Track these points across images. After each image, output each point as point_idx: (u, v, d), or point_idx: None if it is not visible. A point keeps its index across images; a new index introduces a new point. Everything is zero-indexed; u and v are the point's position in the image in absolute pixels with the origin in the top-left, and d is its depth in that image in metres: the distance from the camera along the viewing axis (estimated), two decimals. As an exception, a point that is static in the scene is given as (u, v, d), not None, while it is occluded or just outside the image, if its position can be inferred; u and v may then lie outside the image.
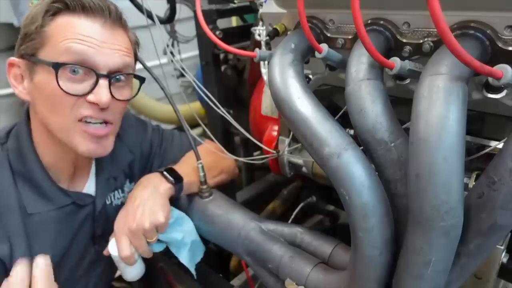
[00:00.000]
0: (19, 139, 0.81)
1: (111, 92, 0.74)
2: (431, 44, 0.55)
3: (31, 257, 0.79)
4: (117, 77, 0.76)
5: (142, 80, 0.83)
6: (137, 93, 0.84)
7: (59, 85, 0.70)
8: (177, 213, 0.91)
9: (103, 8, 0.73)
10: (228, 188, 1.08)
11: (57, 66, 0.70)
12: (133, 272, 0.86)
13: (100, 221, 0.90)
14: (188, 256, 0.89)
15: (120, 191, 0.97)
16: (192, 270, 0.91)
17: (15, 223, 0.77)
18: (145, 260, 0.89)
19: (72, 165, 0.86)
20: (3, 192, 0.77)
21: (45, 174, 0.81)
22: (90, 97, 0.73)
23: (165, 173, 0.90)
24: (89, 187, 0.90)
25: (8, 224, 0.76)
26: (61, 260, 0.86)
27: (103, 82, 0.73)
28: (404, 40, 0.59)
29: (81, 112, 0.74)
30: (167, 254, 0.91)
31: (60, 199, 0.83)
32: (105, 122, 0.78)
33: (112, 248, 0.82)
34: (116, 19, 0.76)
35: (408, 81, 0.65)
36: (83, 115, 0.74)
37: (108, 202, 0.93)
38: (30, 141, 0.80)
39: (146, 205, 0.82)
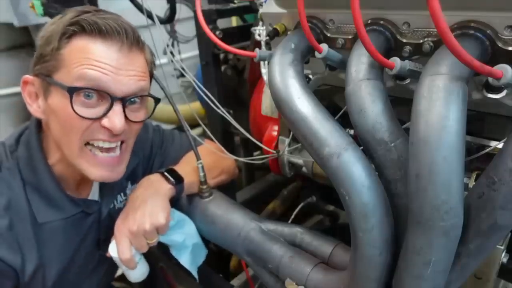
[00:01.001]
0: (29, 148, 0.80)
1: (125, 115, 0.74)
2: (431, 44, 0.55)
3: (41, 265, 0.80)
4: (132, 99, 0.75)
5: (157, 100, 0.83)
6: (151, 114, 0.84)
7: (73, 109, 0.70)
8: (178, 215, 0.91)
9: (120, 31, 0.71)
10: (228, 188, 1.08)
11: (72, 90, 0.69)
12: (136, 273, 0.86)
13: (105, 226, 0.91)
14: (190, 259, 0.89)
15: (122, 194, 0.97)
16: (194, 273, 0.90)
17: (27, 232, 0.77)
18: (145, 260, 0.89)
19: (81, 175, 0.85)
20: (15, 201, 0.77)
21: (55, 184, 0.81)
22: (104, 122, 0.72)
23: (165, 173, 0.90)
24: (94, 193, 0.90)
25: (20, 234, 0.76)
26: (68, 266, 0.86)
27: (117, 107, 0.72)
28: (404, 40, 0.59)
29: (94, 135, 0.73)
30: (168, 255, 0.91)
31: (70, 208, 0.83)
32: (121, 142, 0.77)
33: (112, 250, 0.82)
34: (133, 42, 0.73)
35: (408, 81, 0.66)
36: (95, 138, 0.74)
37: (111, 206, 0.93)
38: (40, 151, 0.80)
39: (147, 206, 0.82)
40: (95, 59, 0.69)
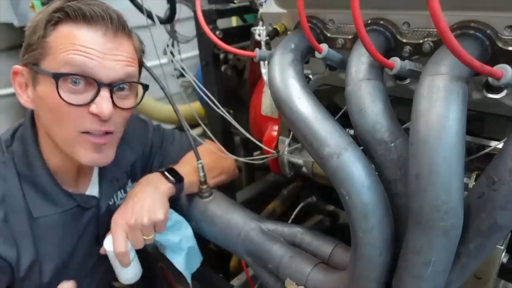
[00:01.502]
0: (24, 143, 0.80)
1: (113, 102, 0.74)
2: (431, 44, 0.55)
3: (37, 260, 0.80)
4: (120, 86, 0.75)
5: (145, 87, 0.82)
6: (140, 101, 0.84)
7: (59, 95, 0.70)
8: (176, 217, 0.91)
9: (104, 16, 0.71)
10: (228, 188, 1.08)
11: (57, 76, 0.69)
12: (129, 273, 0.85)
13: (104, 222, 0.90)
14: (184, 262, 0.88)
15: (122, 191, 0.97)
16: (188, 277, 0.90)
17: (22, 226, 0.77)
18: (145, 260, 0.88)
19: (77, 169, 0.86)
20: (11, 195, 0.77)
21: (51, 178, 0.81)
22: (92, 108, 0.72)
23: (165, 173, 0.90)
24: (92, 189, 0.90)
25: (15, 227, 0.76)
26: (67, 262, 0.86)
27: (105, 93, 0.72)
28: (404, 40, 0.59)
29: (85, 126, 0.73)
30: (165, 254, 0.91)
31: (66, 203, 0.83)
32: (106, 133, 0.77)
33: (108, 244, 0.81)
34: (119, 27, 0.73)
35: (408, 81, 0.65)
36: (86, 129, 0.74)
37: (111, 203, 0.93)
38: (35, 145, 0.80)
39: (146, 202, 0.82)
40: (80, 44, 0.70)
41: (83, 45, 0.70)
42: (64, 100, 0.70)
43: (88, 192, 0.89)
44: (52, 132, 0.76)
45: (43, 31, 0.71)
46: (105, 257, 0.85)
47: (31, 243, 0.78)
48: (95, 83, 0.71)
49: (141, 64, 0.84)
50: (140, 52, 0.82)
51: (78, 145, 0.75)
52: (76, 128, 0.73)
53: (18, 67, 0.76)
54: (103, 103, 0.72)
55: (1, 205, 0.75)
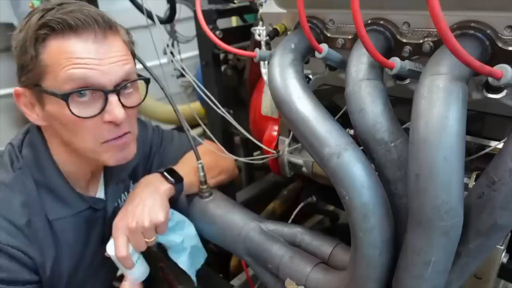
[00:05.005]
0: (35, 149, 0.81)
1: (122, 104, 0.74)
2: (431, 44, 0.56)
3: (56, 263, 0.81)
4: (124, 85, 0.75)
5: (147, 81, 0.82)
6: (145, 96, 0.83)
7: (72, 113, 0.70)
8: (178, 216, 0.90)
9: (90, 21, 0.69)
10: (228, 188, 1.08)
11: (66, 97, 0.69)
12: (135, 273, 0.85)
13: (110, 224, 0.91)
14: (188, 261, 0.88)
15: (126, 193, 0.97)
16: (193, 276, 0.89)
17: (43, 230, 0.78)
18: (145, 260, 0.88)
19: (90, 173, 0.87)
20: (31, 199, 0.77)
21: (64, 182, 0.81)
22: (106, 117, 0.72)
23: (165, 173, 0.90)
24: (100, 192, 0.91)
25: (38, 231, 0.77)
26: (77, 264, 0.87)
27: (113, 99, 0.72)
28: (404, 40, 0.59)
29: (104, 136, 0.74)
30: (168, 255, 0.91)
31: (78, 205, 0.84)
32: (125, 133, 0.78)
33: (110, 249, 0.82)
34: (106, 27, 0.72)
35: (408, 81, 0.65)
36: (106, 139, 0.75)
37: (116, 205, 0.94)
38: (46, 151, 0.80)
39: (146, 204, 0.83)
40: (75, 57, 0.69)
41: (78, 57, 0.69)
42: (78, 116, 0.70)
43: (97, 195, 0.90)
44: (72, 144, 0.76)
45: (34, 50, 0.69)
46: (109, 258, 0.86)
47: (51, 245, 0.80)
48: (101, 92, 0.71)
49: (134, 56, 0.83)
50: (130, 44, 0.81)
51: (102, 153, 0.76)
52: (97, 140, 0.74)
53: (18, 88, 0.75)
54: (115, 109, 0.72)
55: (25, 210, 0.76)
